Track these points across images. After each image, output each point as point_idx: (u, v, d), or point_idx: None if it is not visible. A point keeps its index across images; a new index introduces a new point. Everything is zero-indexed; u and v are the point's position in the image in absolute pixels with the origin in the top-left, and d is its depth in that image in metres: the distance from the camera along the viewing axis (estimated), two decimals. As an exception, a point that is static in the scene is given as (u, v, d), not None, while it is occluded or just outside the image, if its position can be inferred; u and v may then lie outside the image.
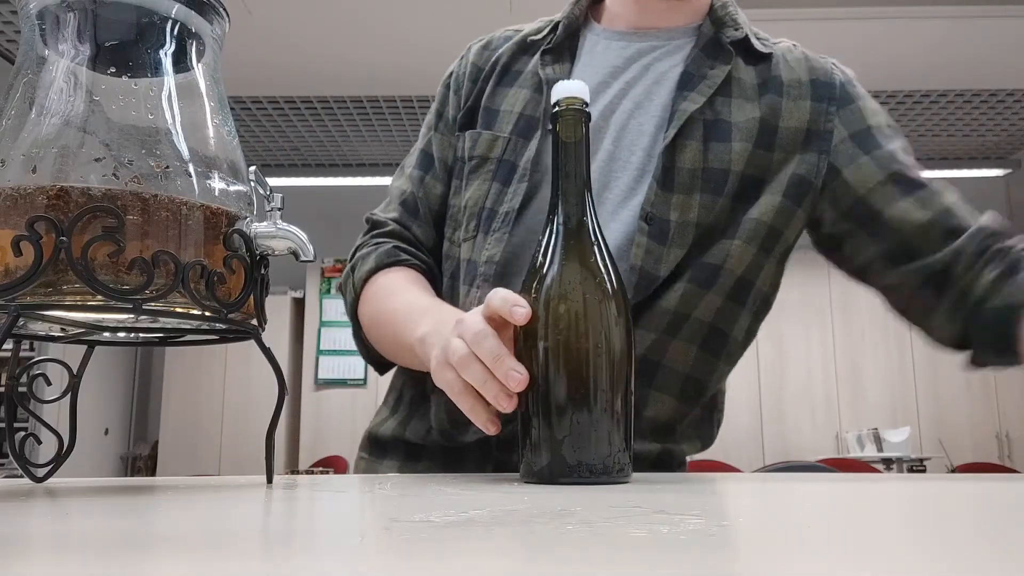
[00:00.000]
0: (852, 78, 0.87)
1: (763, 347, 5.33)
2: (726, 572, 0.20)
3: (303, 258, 0.55)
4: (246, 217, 0.53)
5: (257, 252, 0.53)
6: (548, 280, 0.57)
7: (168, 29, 0.53)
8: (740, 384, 5.29)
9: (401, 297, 0.82)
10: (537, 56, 0.88)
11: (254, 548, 0.26)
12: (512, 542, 0.26)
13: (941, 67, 4.29)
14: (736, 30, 0.85)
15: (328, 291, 5.70)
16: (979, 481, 0.59)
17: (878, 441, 4.75)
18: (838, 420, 5.32)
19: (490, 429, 0.59)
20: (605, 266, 0.57)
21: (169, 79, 0.53)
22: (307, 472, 4.25)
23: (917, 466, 4.54)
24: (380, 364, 0.91)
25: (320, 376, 5.55)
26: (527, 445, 0.56)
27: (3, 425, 0.63)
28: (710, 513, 0.35)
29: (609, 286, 0.56)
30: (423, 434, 0.85)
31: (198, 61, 0.55)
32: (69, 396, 0.61)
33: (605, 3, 0.92)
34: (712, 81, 0.82)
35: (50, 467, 0.58)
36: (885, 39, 3.98)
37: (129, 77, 0.52)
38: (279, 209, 0.55)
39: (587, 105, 0.60)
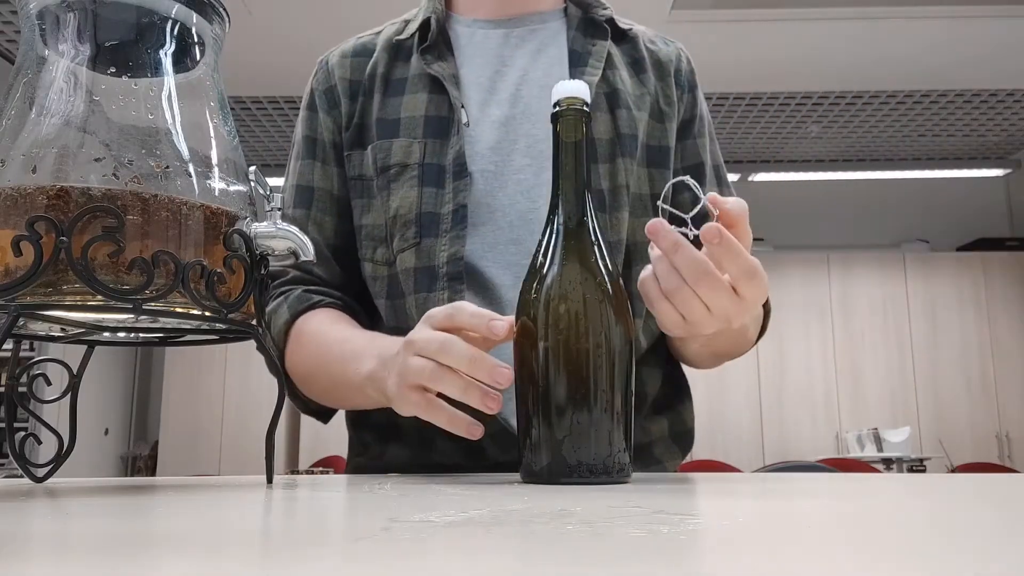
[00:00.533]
0: (693, 69, 0.92)
1: (763, 347, 5.33)
2: (726, 572, 0.20)
3: (303, 258, 0.55)
4: (246, 217, 0.53)
5: (257, 252, 0.53)
6: (549, 280, 0.57)
7: (168, 29, 0.53)
8: (740, 384, 5.29)
9: (331, 338, 0.78)
10: (416, 57, 0.86)
11: (254, 548, 0.26)
12: (512, 542, 0.26)
13: (941, 67, 4.29)
14: (604, 9, 0.90)
15: (328, 291, 5.68)
16: (979, 481, 0.59)
17: (878, 441, 4.75)
18: (838, 420, 5.32)
19: (476, 433, 0.59)
20: (606, 266, 0.57)
21: (169, 79, 0.53)
22: (307, 472, 4.25)
23: (917, 466, 4.54)
24: (321, 413, 0.87)
25: (320, 376, 5.54)
26: (527, 445, 0.56)
27: (3, 425, 0.63)
28: (710, 513, 0.35)
29: (610, 286, 0.56)
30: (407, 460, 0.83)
31: (198, 61, 0.55)
32: (69, 396, 0.61)
33: None
34: (598, 56, 0.86)
35: (50, 467, 0.58)
36: (885, 39, 3.98)
37: (129, 77, 0.52)
38: (279, 209, 0.55)
39: (587, 105, 0.60)
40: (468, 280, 0.79)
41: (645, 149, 0.85)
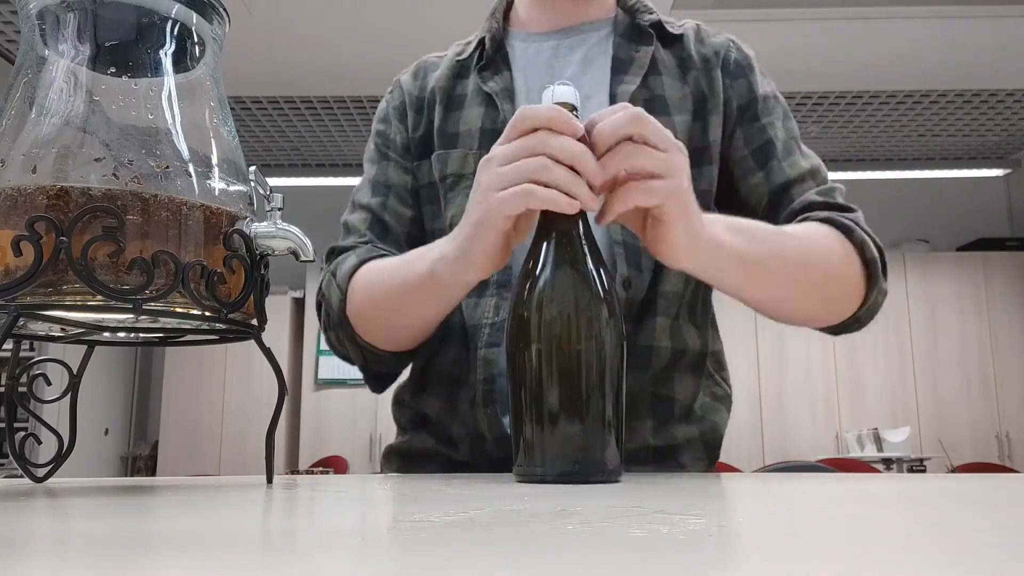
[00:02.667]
0: (748, 55, 0.92)
1: (763, 347, 5.33)
2: (726, 572, 0.20)
3: (303, 258, 0.55)
4: (246, 217, 0.53)
5: (257, 252, 0.53)
6: (540, 284, 0.57)
7: (168, 29, 0.53)
8: (740, 384, 5.28)
9: (395, 259, 0.80)
10: (473, 75, 0.90)
11: (254, 548, 0.26)
12: (512, 542, 0.26)
13: (941, 67, 4.30)
14: (650, 14, 0.91)
15: (328, 291, 5.69)
16: (979, 481, 0.59)
17: (878, 441, 4.75)
18: (838, 420, 5.32)
19: (590, 205, 0.58)
20: (597, 269, 0.58)
21: (169, 79, 0.53)
22: (307, 472, 4.25)
23: (917, 466, 4.54)
24: (379, 378, 0.89)
25: (320, 376, 5.55)
26: (520, 446, 0.56)
27: (3, 425, 0.63)
28: (710, 513, 0.35)
29: (600, 289, 0.57)
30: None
31: (198, 61, 0.55)
32: (69, 396, 0.61)
33: (516, 12, 0.95)
34: (641, 62, 0.87)
35: (50, 467, 0.58)
36: (885, 39, 3.98)
37: (129, 77, 0.52)
38: (279, 209, 0.55)
39: (576, 110, 0.61)
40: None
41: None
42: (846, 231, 0.79)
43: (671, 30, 0.90)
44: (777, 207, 0.85)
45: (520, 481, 0.56)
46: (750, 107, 0.89)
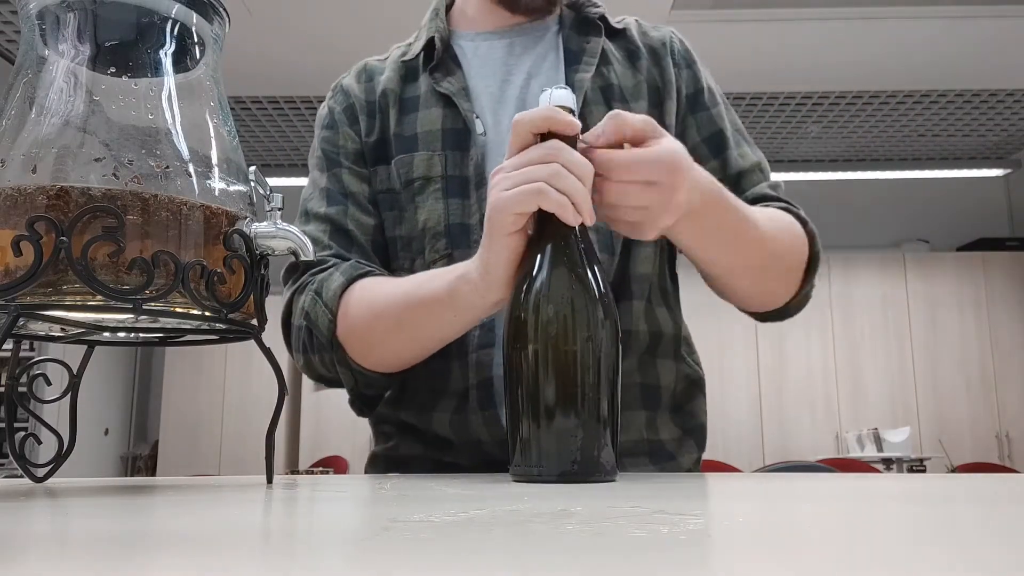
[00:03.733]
0: (689, 47, 0.94)
1: (763, 347, 5.33)
2: (726, 572, 0.20)
3: (303, 258, 0.55)
4: (246, 217, 0.53)
5: (257, 252, 0.53)
6: (537, 285, 0.58)
7: (168, 29, 0.53)
8: (740, 384, 5.29)
9: (398, 281, 0.77)
10: (424, 76, 0.89)
11: (254, 548, 0.26)
12: (512, 542, 0.26)
13: (941, 67, 4.30)
14: (596, 7, 0.92)
15: (328, 291, 5.69)
16: (979, 481, 0.59)
17: (878, 441, 4.75)
18: (838, 420, 5.32)
19: (591, 221, 0.60)
20: (593, 272, 0.58)
21: (169, 79, 0.53)
22: (307, 472, 4.25)
23: (917, 466, 4.54)
24: (365, 400, 0.87)
25: (320, 376, 5.54)
26: (516, 446, 0.57)
27: (3, 425, 0.63)
28: (710, 513, 0.35)
29: (596, 291, 0.58)
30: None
31: (198, 61, 0.55)
32: (69, 396, 0.61)
33: (462, 12, 0.95)
34: (592, 52, 0.88)
35: (50, 467, 0.58)
36: (885, 39, 3.98)
37: (129, 77, 0.52)
38: (279, 209, 0.55)
39: (573, 112, 0.61)
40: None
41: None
42: (802, 222, 0.84)
43: (615, 25, 0.92)
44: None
45: (517, 481, 0.56)
46: (698, 96, 0.91)
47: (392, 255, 0.88)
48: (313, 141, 0.94)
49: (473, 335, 0.80)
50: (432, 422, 0.83)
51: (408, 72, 0.90)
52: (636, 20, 0.95)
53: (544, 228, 0.60)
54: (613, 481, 0.55)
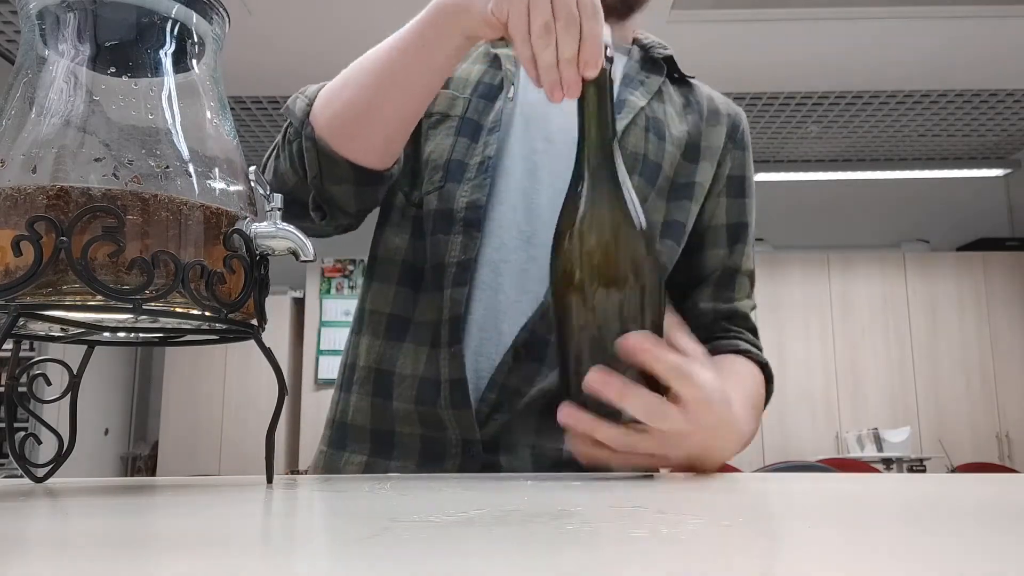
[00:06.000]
0: (748, 132, 0.98)
1: (763, 347, 5.33)
2: (726, 572, 0.20)
3: (303, 258, 0.55)
4: (246, 217, 0.53)
5: (257, 252, 0.53)
6: (583, 216, 0.58)
7: (168, 29, 0.53)
8: (740, 384, 5.28)
9: (376, 48, 0.76)
10: (486, 44, 0.92)
11: (254, 548, 0.26)
12: (512, 542, 0.26)
13: (941, 67, 4.30)
14: (664, 49, 0.95)
15: (328, 291, 5.70)
16: (979, 481, 0.59)
17: (878, 441, 4.75)
18: (838, 420, 5.32)
19: (556, 95, 0.61)
20: (635, 206, 0.59)
21: (169, 79, 0.53)
22: (307, 472, 4.24)
23: (917, 466, 4.54)
24: (329, 203, 0.79)
25: (320, 376, 5.55)
26: (564, 381, 0.58)
27: (3, 425, 0.63)
28: (710, 513, 0.35)
29: (639, 225, 0.58)
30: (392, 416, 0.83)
31: (198, 61, 0.55)
32: (69, 396, 0.61)
33: None
34: (649, 87, 0.91)
35: (50, 467, 0.58)
36: (885, 39, 3.98)
37: (129, 77, 0.52)
38: (279, 209, 0.55)
39: (607, 48, 0.61)
40: (487, 229, 0.82)
41: (669, 182, 0.89)
42: (762, 367, 0.89)
43: (683, 72, 0.95)
44: (722, 284, 0.92)
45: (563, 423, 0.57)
46: (741, 182, 0.94)
47: (394, 185, 0.89)
48: None
49: (449, 271, 0.81)
50: (396, 359, 0.83)
51: (481, 47, 0.94)
52: (708, 88, 0.97)
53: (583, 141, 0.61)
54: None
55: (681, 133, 0.90)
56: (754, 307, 0.94)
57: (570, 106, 0.63)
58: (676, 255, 0.90)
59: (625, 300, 0.57)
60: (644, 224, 0.59)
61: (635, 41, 0.97)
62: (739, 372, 0.85)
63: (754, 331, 0.93)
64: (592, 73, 0.60)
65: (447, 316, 0.80)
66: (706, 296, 0.92)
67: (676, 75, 0.95)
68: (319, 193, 0.79)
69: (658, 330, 0.58)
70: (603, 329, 0.57)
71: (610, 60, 0.61)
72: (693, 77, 0.96)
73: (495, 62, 0.91)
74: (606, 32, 0.60)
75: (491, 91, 0.89)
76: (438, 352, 0.80)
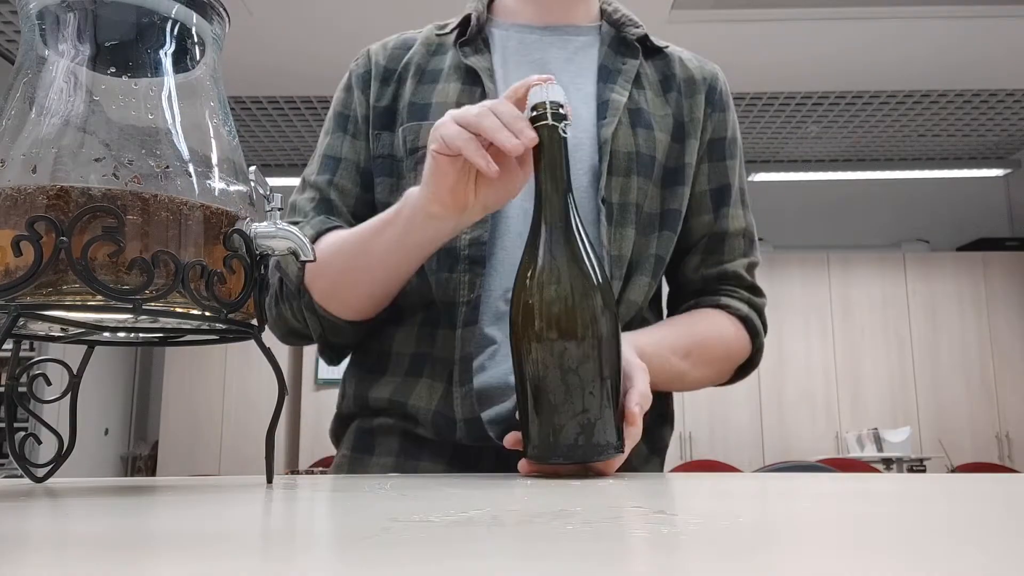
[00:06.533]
0: (729, 91, 0.96)
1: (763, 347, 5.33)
2: (726, 572, 0.20)
3: (303, 258, 0.55)
4: (246, 217, 0.53)
5: (257, 252, 0.53)
6: (538, 269, 0.61)
7: (168, 29, 0.53)
8: (740, 384, 5.26)
9: (365, 223, 0.79)
10: (453, 50, 0.90)
11: (254, 548, 0.26)
12: (512, 542, 0.26)
13: (941, 67, 4.30)
14: (637, 27, 0.93)
15: (328, 291, 5.70)
16: (979, 481, 0.59)
17: (878, 441, 4.75)
18: (838, 420, 5.33)
19: (492, 170, 0.64)
20: (589, 259, 0.61)
21: (169, 79, 0.53)
22: (307, 472, 4.25)
23: (917, 466, 4.54)
24: (334, 348, 0.88)
25: (320, 376, 5.55)
26: (526, 428, 0.60)
27: (3, 425, 0.63)
28: (710, 513, 0.35)
29: (595, 278, 0.61)
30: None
31: (198, 61, 0.55)
32: (69, 396, 0.61)
33: (503, 1, 0.96)
34: (627, 75, 0.89)
35: (50, 467, 0.58)
36: (885, 39, 3.98)
37: (129, 77, 0.52)
38: (279, 209, 0.55)
39: (562, 107, 0.63)
40: (489, 264, 0.82)
41: (662, 169, 0.88)
42: (747, 325, 0.90)
43: (659, 44, 0.93)
44: (711, 250, 0.92)
45: (530, 457, 0.60)
46: (720, 143, 0.93)
47: None
48: (332, 99, 0.97)
49: (460, 310, 0.81)
50: (406, 393, 0.83)
51: (438, 47, 0.92)
52: (682, 50, 0.95)
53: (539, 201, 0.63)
54: (622, 454, 0.60)
55: (665, 115, 0.89)
56: (752, 264, 0.93)
57: (571, 129, 0.65)
58: (673, 243, 0.89)
59: (574, 352, 0.59)
60: (600, 278, 0.61)
61: (603, 14, 0.94)
62: (695, 324, 0.87)
63: (752, 288, 0.92)
64: (527, 141, 0.63)
65: (459, 355, 0.80)
66: (694, 264, 0.92)
67: (649, 44, 0.92)
68: (323, 342, 0.87)
69: (615, 379, 0.60)
70: (555, 380, 0.58)
71: (564, 117, 0.63)
72: (668, 47, 0.94)
73: (469, 79, 0.87)
74: (558, 91, 0.63)
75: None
76: (451, 390, 0.81)
